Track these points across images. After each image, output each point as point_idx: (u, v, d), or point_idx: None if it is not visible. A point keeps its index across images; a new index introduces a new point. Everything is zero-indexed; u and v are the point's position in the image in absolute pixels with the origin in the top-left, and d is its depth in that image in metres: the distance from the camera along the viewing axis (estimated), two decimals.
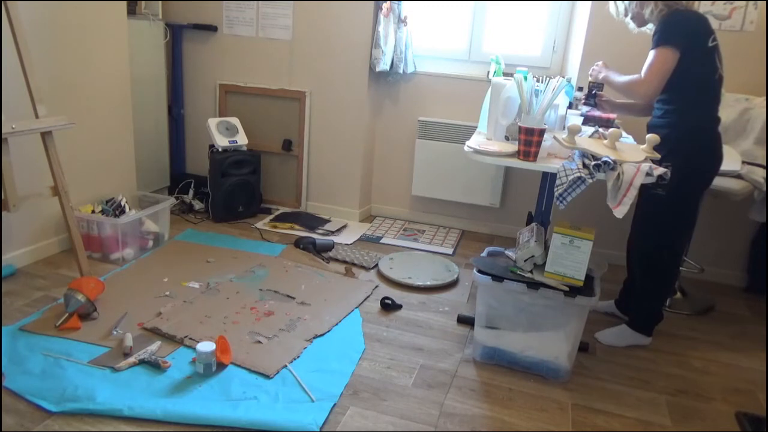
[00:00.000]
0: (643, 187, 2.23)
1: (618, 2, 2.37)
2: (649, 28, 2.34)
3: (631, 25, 2.42)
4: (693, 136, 2.21)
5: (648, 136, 2.09)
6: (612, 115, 2.58)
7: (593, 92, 2.57)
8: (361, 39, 3.40)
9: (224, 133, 3.49)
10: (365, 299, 2.67)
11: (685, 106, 2.21)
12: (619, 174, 1.91)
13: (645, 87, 2.18)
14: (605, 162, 1.94)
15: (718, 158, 2.27)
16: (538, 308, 2.12)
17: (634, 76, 2.23)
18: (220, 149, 3.44)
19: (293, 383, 2.00)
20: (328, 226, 3.51)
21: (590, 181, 1.92)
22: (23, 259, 2.72)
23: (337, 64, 3.49)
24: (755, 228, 3.11)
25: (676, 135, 2.21)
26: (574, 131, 1.99)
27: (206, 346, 1.99)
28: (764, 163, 2.74)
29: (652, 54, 2.18)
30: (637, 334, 2.45)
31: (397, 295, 2.74)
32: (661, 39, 2.16)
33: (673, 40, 2.13)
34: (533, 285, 2.08)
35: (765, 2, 2.84)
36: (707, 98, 2.23)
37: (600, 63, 2.50)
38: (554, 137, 2.05)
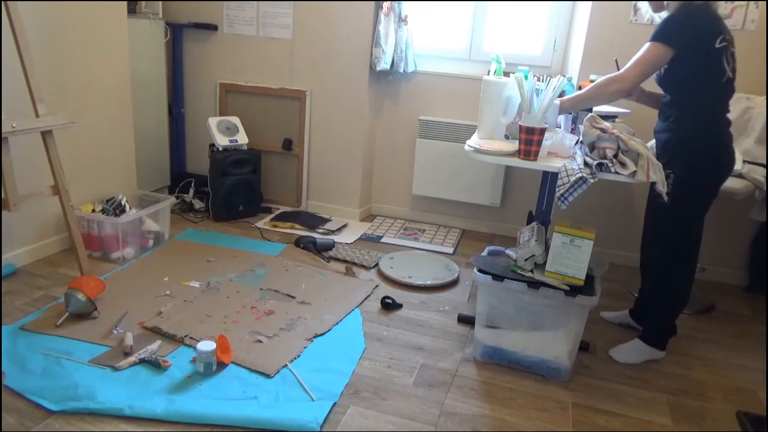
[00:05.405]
0: (652, 194, 2.20)
1: None
2: (660, 16, 2.23)
3: (645, 8, 2.29)
4: (693, 143, 2.10)
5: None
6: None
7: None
8: (362, 38, 3.39)
9: (224, 132, 3.49)
10: (365, 298, 2.67)
11: (685, 111, 2.12)
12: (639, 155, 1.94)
13: (620, 82, 2.07)
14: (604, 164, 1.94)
15: (722, 165, 2.13)
16: (539, 307, 2.12)
17: (605, 77, 2.11)
18: (220, 148, 3.44)
19: (293, 382, 2.00)
20: (328, 226, 3.50)
21: (592, 181, 1.92)
22: (24, 258, 2.72)
23: (338, 63, 3.49)
24: (756, 227, 3.11)
25: (676, 141, 2.13)
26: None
27: (207, 346, 1.99)
28: (765, 162, 2.74)
29: (644, 47, 2.07)
30: (651, 349, 2.32)
31: (397, 294, 2.74)
32: (658, 35, 2.05)
33: (669, 38, 2.03)
34: (534, 284, 2.07)
35: (765, 1, 2.83)
36: (709, 102, 2.10)
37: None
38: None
